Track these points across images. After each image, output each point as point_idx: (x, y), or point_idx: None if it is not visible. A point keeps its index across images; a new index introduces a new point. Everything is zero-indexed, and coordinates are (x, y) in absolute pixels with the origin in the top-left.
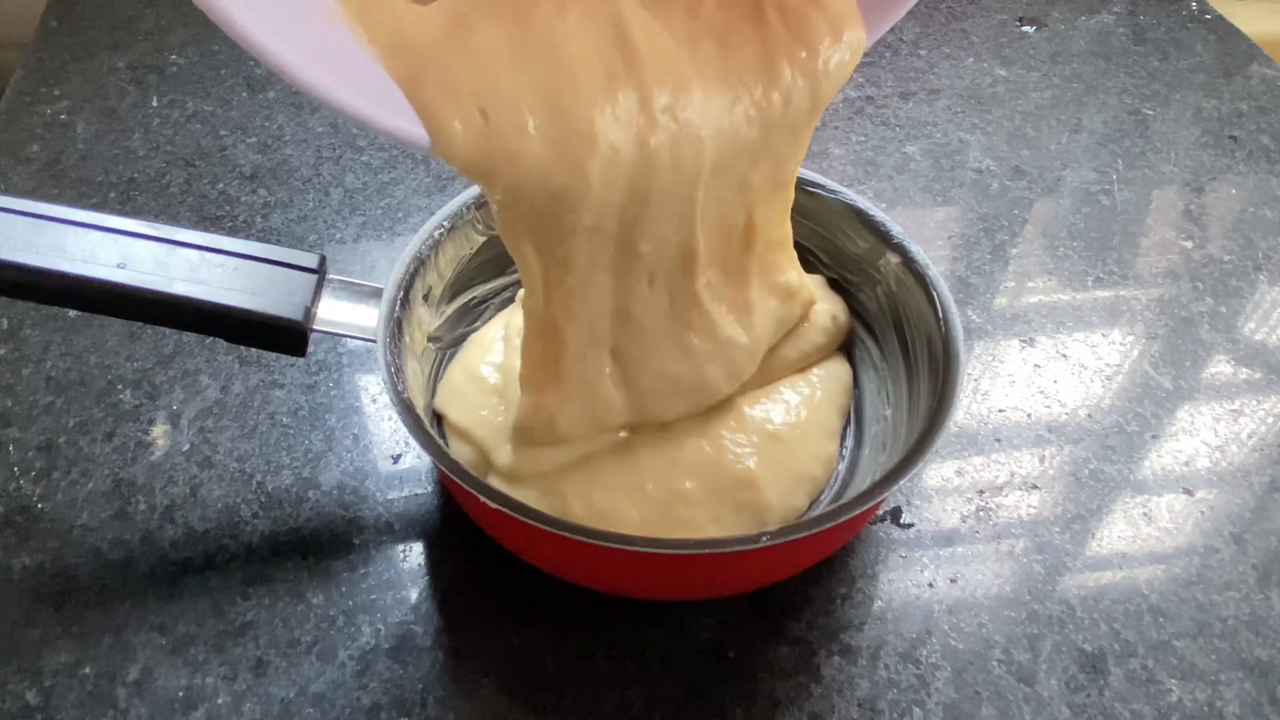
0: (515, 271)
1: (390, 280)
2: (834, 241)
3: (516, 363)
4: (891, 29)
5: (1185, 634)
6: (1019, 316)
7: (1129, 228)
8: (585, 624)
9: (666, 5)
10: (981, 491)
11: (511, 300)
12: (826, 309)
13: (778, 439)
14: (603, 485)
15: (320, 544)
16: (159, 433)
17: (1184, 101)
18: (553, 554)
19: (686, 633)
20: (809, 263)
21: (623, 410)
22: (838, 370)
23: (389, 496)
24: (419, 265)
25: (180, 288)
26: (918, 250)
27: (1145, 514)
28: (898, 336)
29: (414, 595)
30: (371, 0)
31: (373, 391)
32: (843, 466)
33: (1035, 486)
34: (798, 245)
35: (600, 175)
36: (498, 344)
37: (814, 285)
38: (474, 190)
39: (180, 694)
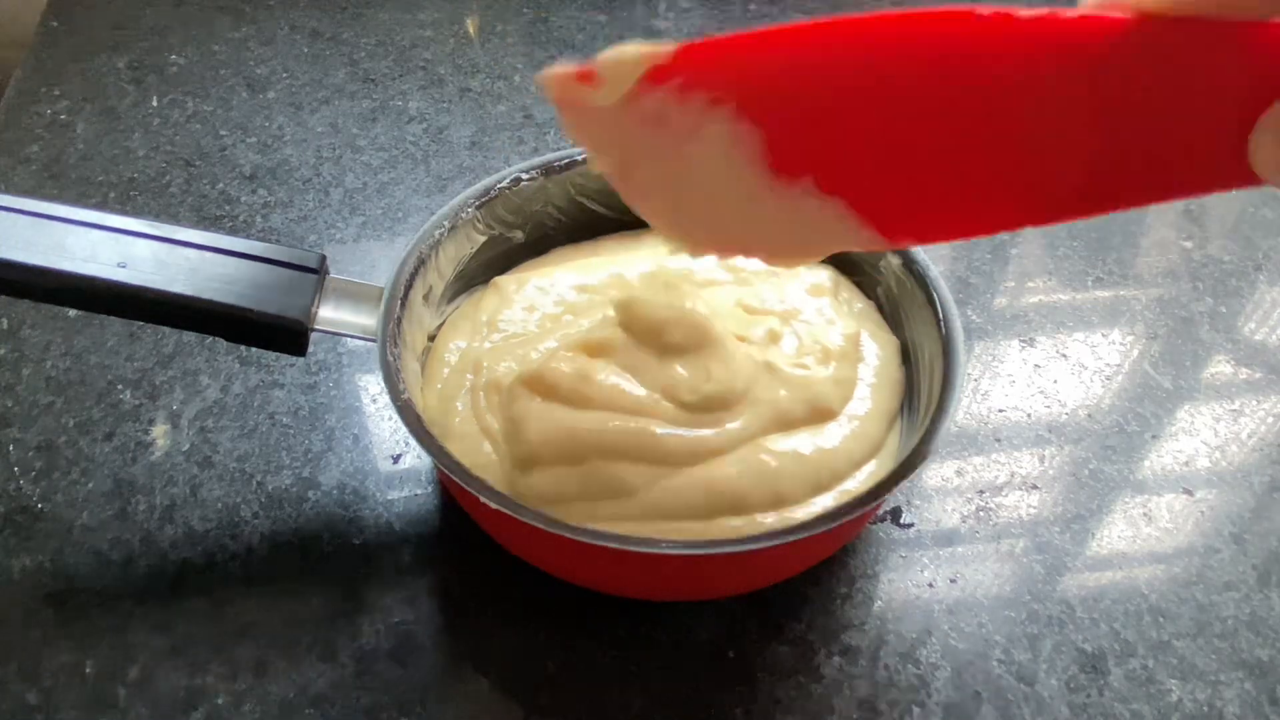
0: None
1: (390, 280)
2: None
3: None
4: None
5: (1185, 634)
6: (1019, 316)
7: (1129, 228)
8: (585, 624)
9: None
10: (981, 491)
11: None
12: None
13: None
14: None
15: (320, 544)
16: (159, 433)
17: None
18: (553, 554)
19: (686, 633)
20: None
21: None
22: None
23: (389, 496)
24: (419, 265)
25: (180, 287)
26: (918, 250)
27: (1145, 514)
28: (898, 337)
29: (414, 595)
30: None
31: (373, 391)
32: None
33: (1035, 486)
34: None
35: None
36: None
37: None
38: (474, 190)
39: (180, 694)
